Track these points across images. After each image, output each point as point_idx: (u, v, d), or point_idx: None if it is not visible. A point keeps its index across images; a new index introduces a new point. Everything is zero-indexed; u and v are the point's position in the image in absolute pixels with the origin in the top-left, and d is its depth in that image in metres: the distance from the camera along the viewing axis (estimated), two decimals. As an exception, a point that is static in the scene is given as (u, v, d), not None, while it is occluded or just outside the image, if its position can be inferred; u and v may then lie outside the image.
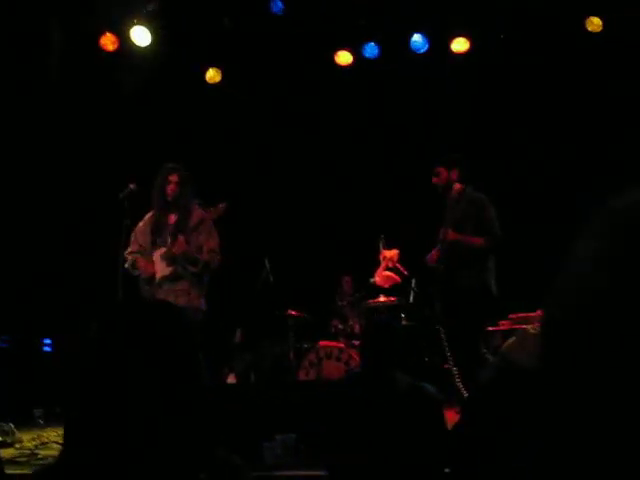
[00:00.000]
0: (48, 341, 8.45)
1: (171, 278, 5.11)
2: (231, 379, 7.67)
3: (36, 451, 4.85)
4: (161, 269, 5.15)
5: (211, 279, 5.40)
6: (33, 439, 5.48)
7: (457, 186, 5.54)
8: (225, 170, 8.69)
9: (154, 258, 5.24)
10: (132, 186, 5.34)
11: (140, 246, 5.31)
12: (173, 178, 5.26)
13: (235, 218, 8.51)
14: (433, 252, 5.66)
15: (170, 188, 5.23)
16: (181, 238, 5.09)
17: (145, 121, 8.33)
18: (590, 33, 7.51)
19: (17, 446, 5.23)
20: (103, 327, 1.29)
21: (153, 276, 5.18)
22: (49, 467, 1.34)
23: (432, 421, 3.02)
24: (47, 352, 8.39)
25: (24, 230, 8.06)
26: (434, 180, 5.67)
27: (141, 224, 5.39)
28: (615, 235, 0.61)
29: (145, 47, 7.70)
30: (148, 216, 5.40)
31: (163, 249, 5.16)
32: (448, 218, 5.53)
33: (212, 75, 8.33)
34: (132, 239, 5.33)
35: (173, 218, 5.26)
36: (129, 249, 5.30)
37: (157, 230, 5.28)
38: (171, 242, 5.14)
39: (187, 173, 5.34)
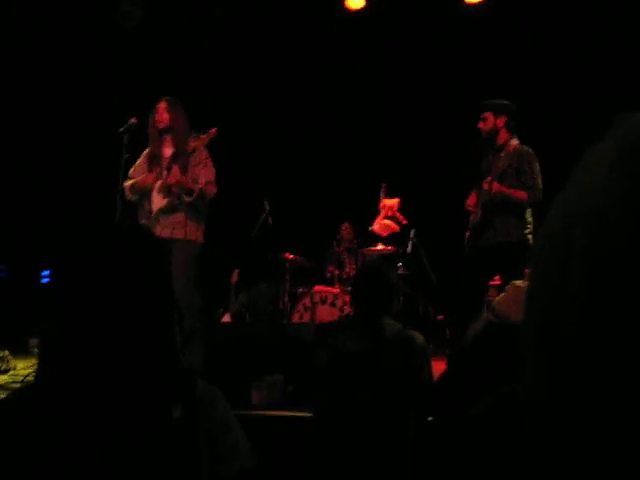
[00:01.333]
0: (47, 272, 8.51)
1: (167, 210, 5.06)
2: (226, 319, 7.74)
3: (28, 378, 4.91)
4: (157, 202, 5.11)
5: (210, 218, 5.35)
6: (27, 367, 5.56)
7: (514, 142, 5.31)
8: (230, 113, 8.62)
9: (153, 192, 5.21)
10: (133, 120, 5.27)
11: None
12: (161, 105, 5.18)
13: (238, 160, 8.51)
14: (471, 197, 5.47)
15: (159, 116, 5.16)
16: (175, 168, 5.04)
17: (148, 56, 8.23)
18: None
19: (11, 373, 5.31)
20: (73, 253, 1.29)
21: (150, 209, 5.16)
22: (28, 387, 1.35)
23: (417, 369, 3.04)
24: (45, 283, 8.46)
25: (25, 162, 8.04)
26: (480, 125, 5.41)
27: (139, 160, 5.34)
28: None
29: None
30: (146, 151, 5.35)
31: (159, 182, 5.12)
32: (493, 168, 5.31)
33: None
34: (130, 175, 5.29)
35: (168, 150, 5.20)
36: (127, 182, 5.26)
37: (153, 163, 5.22)
38: (166, 174, 5.10)
39: (176, 100, 5.25)
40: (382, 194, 7.01)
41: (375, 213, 7.05)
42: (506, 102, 5.44)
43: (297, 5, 7.95)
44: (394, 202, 6.82)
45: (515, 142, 5.35)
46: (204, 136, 5.09)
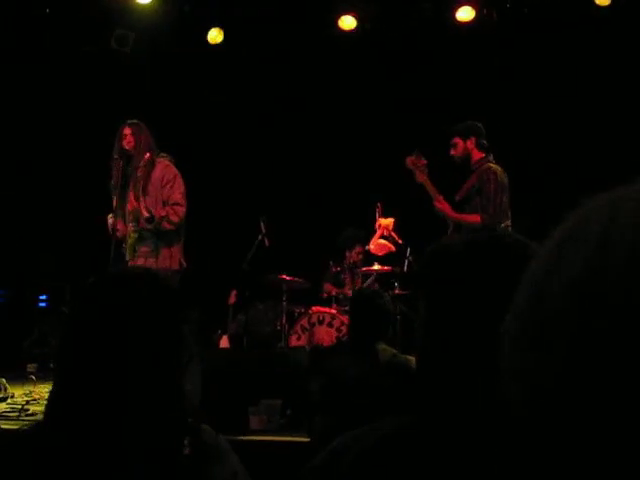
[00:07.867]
0: (44, 297, 8.51)
1: (136, 239, 5.02)
2: (224, 340, 7.71)
3: (27, 407, 4.90)
4: (128, 230, 5.08)
5: (208, 239, 5.32)
6: (25, 394, 5.54)
7: (486, 161, 5.17)
8: (227, 132, 8.66)
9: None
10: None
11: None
12: (126, 131, 5.12)
13: (233, 179, 8.54)
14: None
15: (127, 142, 5.10)
16: (131, 195, 4.98)
17: (144, 82, 8.27)
18: (598, 6, 7.41)
19: (9, 401, 5.29)
20: (82, 302, 1.31)
21: (125, 237, 5.10)
22: (35, 425, 1.36)
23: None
24: (42, 307, 8.46)
25: (24, 184, 8.07)
26: (451, 152, 5.32)
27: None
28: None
29: (146, 4, 7.61)
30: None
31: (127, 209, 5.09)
32: (462, 190, 5.24)
33: (214, 35, 8.22)
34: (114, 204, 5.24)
35: (136, 174, 5.13)
36: (111, 213, 5.20)
37: (123, 190, 5.16)
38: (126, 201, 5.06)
39: (140, 123, 5.19)
40: (377, 214, 7.02)
41: (371, 233, 7.07)
42: (472, 123, 5.33)
43: (289, 25, 8.00)
44: (389, 222, 6.84)
45: (487, 161, 5.21)
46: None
